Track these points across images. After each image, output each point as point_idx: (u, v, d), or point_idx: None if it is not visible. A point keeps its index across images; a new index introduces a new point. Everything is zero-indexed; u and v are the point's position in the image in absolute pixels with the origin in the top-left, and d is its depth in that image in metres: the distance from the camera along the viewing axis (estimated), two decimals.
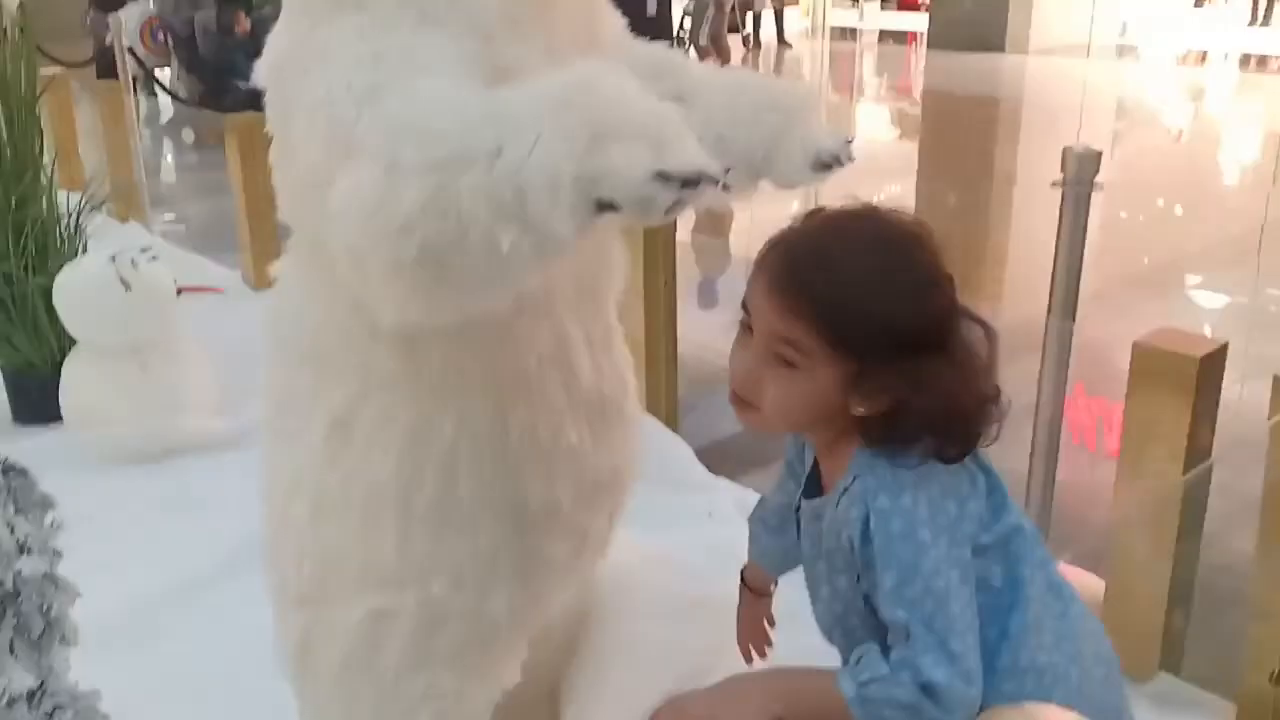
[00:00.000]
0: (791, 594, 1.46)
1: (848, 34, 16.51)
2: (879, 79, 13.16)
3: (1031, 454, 2.19)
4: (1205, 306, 4.85)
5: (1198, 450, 1.78)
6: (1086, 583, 2.42)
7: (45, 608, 1.24)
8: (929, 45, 13.68)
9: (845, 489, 1.12)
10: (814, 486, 1.24)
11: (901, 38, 16.13)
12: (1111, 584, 1.93)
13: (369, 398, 1.32)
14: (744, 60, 13.59)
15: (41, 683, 1.22)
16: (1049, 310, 2.15)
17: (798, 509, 1.25)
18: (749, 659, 1.47)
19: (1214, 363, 1.75)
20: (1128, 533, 1.95)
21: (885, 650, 1.07)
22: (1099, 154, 2.08)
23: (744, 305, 1.17)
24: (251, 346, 1.49)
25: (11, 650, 1.20)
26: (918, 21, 15.77)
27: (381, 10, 1.17)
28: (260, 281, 4.23)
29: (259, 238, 4.32)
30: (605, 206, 1.02)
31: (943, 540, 1.06)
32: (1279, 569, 1.73)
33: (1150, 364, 1.76)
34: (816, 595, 1.23)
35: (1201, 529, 1.91)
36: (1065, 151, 2.06)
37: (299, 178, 1.22)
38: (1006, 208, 6.87)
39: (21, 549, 1.22)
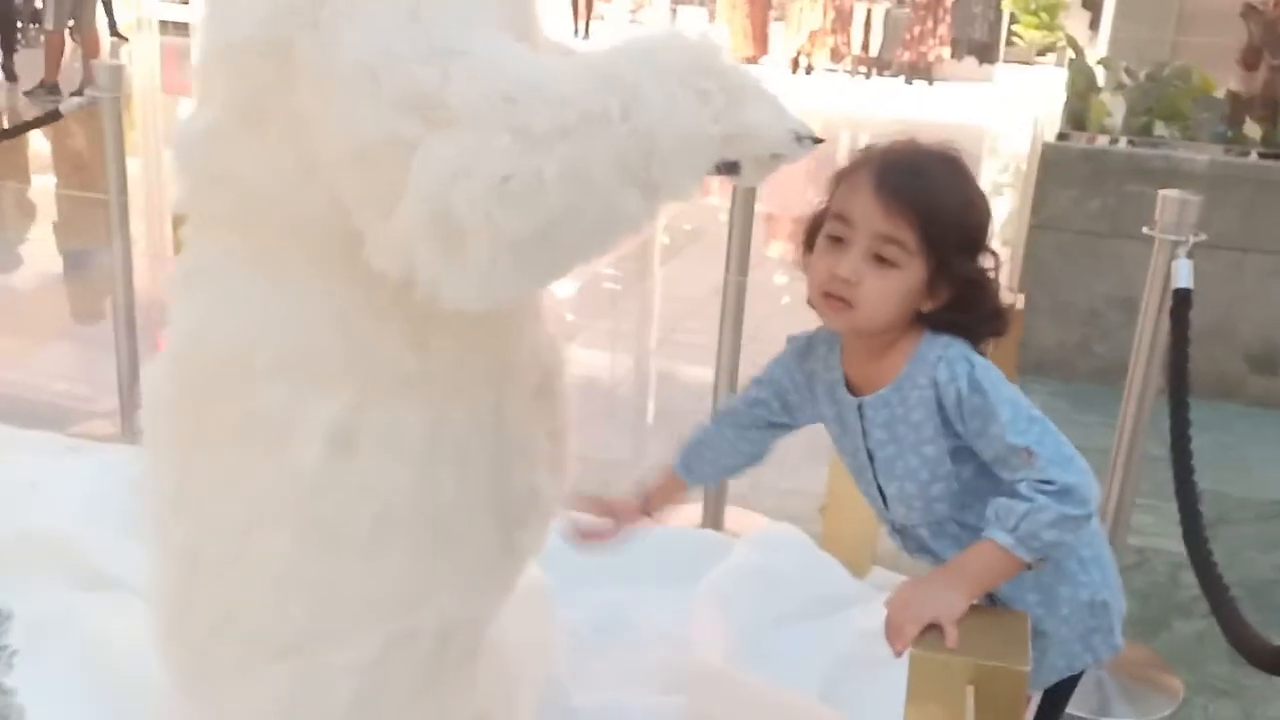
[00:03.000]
0: None
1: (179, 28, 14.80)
2: None
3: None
4: None
5: None
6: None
7: None
8: None
9: (940, 358, 1.26)
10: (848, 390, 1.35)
11: None
12: (832, 500, 2.34)
13: (372, 406, 1.18)
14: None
15: None
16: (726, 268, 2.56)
17: (859, 408, 1.33)
18: (580, 542, 1.45)
19: None
20: None
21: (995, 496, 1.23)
22: None
23: (839, 217, 1.26)
24: None
25: None
26: None
27: None
28: None
29: None
30: (725, 167, 1.02)
31: (1014, 387, 1.26)
32: None
33: None
34: (890, 475, 1.32)
35: None
36: None
37: (305, 152, 1.08)
38: None
39: None
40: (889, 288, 1.24)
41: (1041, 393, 3.91)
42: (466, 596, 1.29)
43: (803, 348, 1.42)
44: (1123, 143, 4.10)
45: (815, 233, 1.31)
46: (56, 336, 4.08)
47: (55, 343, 4.00)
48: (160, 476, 1.27)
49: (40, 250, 5.48)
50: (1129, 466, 2.26)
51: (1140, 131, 4.15)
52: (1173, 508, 1.91)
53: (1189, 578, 1.89)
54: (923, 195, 1.23)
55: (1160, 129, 4.14)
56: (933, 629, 1.16)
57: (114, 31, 12.84)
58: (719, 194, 6.23)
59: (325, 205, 1.11)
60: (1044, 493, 1.19)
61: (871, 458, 1.34)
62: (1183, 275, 2.07)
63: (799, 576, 2.12)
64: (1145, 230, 2.18)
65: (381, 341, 1.17)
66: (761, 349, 1.67)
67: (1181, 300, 2.06)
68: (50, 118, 2.96)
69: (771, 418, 1.47)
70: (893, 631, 1.18)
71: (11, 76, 9.50)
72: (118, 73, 2.73)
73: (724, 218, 2.64)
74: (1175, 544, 1.83)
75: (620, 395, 3.97)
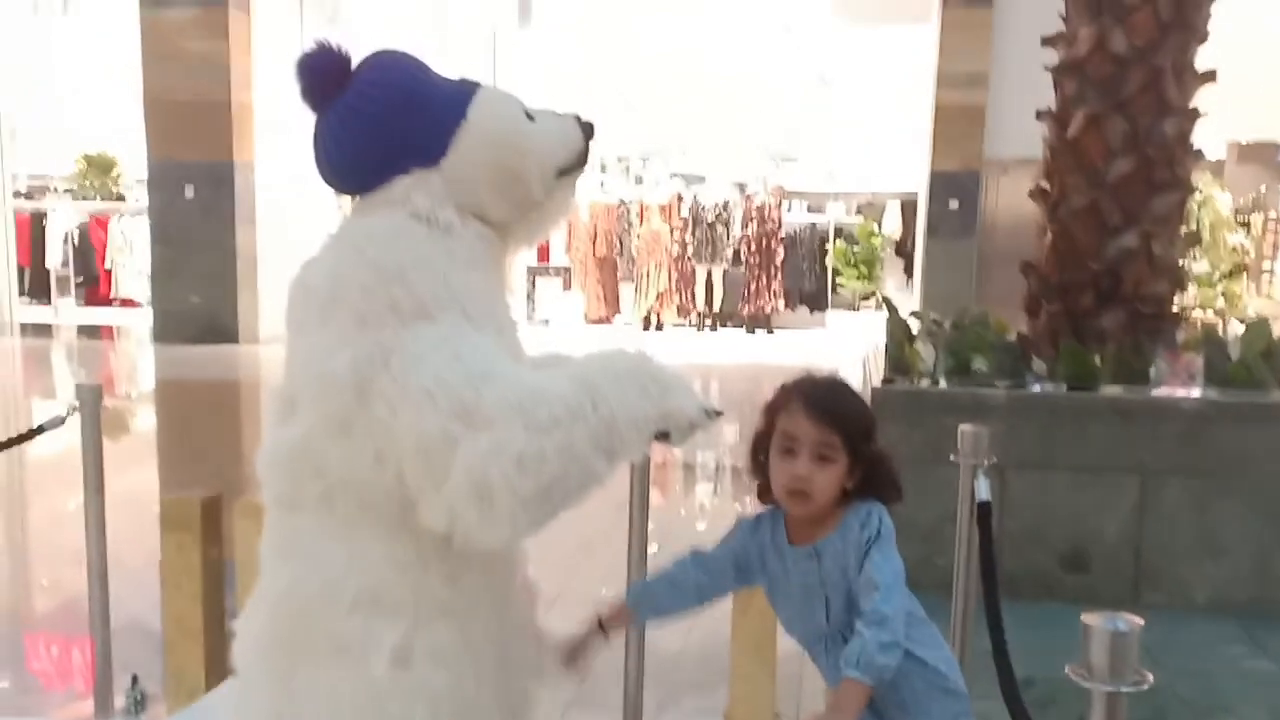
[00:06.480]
0: None
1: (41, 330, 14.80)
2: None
3: None
4: None
5: None
6: None
7: None
8: (156, 338, 12.85)
9: (870, 510, 1.77)
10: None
11: (96, 332, 14.80)
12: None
13: (421, 627, 1.61)
14: None
15: None
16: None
17: (815, 552, 1.80)
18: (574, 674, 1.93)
19: None
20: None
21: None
22: None
23: (786, 435, 1.79)
24: None
25: None
26: (116, 316, 15.56)
27: (450, 321, 1.60)
28: None
29: None
30: (660, 436, 1.57)
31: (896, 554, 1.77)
32: None
33: None
34: (806, 616, 1.82)
35: None
36: None
37: (391, 449, 1.55)
38: None
39: None
40: (831, 477, 1.76)
41: None
42: None
43: (753, 524, 1.92)
44: (939, 382, 4.85)
45: (759, 451, 1.85)
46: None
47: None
48: (257, 699, 1.64)
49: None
50: (964, 656, 2.77)
51: (950, 373, 4.92)
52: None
53: None
54: (839, 409, 1.80)
55: (965, 370, 4.93)
56: None
57: None
58: None
59: (390, 484, 1.57)
60: (867, 624, 1.68)
61: (823, 584, 1.82)
62: (982, 490, 2.69)
63: None
64: (951, 458, 2.82)
65: (426, 580, 1.61)
66: None
67: (984, 511, 2.67)
68: (34, 433, 3.28)
69: (717, 581, 1.94)
70: None
71: None
72: (96, 391, 3.09)
73: None
74: None
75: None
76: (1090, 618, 1.61)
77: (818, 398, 1.83)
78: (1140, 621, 1.61)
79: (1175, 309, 5.20)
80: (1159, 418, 4.45)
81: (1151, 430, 4.44)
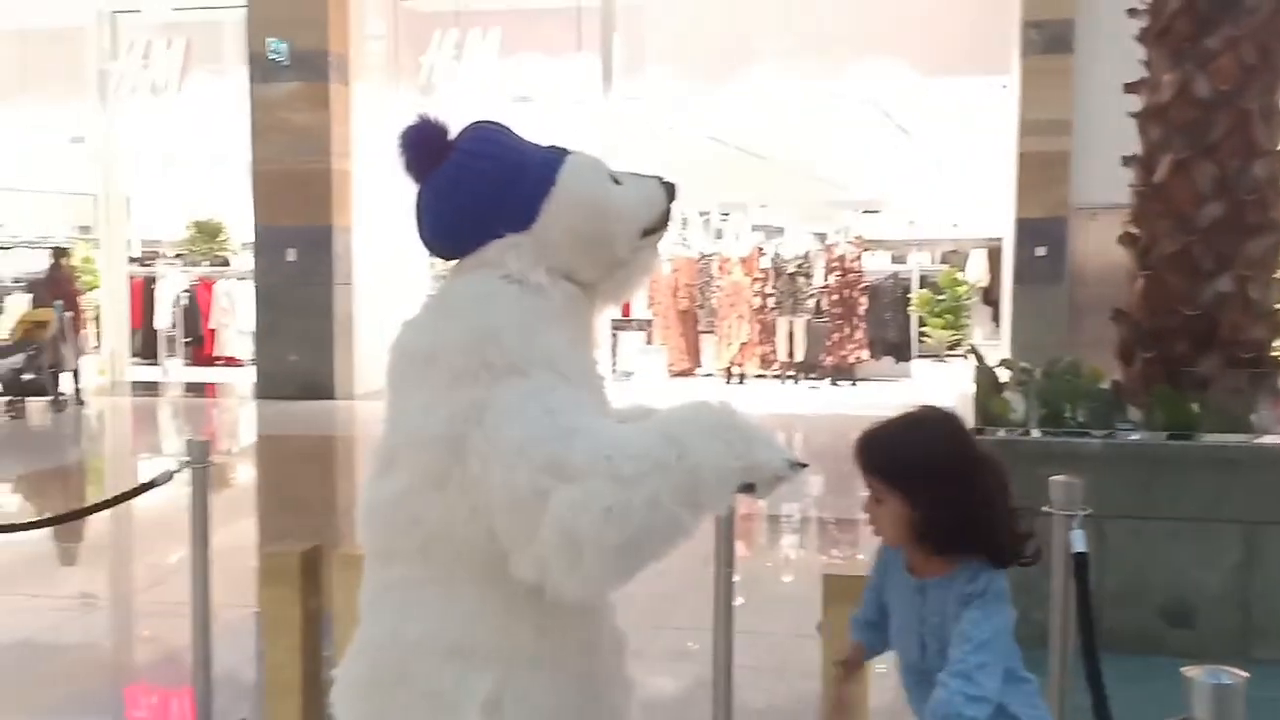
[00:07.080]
0: None
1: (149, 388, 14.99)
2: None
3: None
4: None
5: None
6: None
7: None
8: (257, 395, 13.13)
9: (972, 578, 1.81)
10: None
11: (201, 390, 15.26)
12: None
13: (512, 677, 1.66)
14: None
15: None
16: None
17: (923, 588, 1.88)
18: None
19: None
20: None
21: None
22: None
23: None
24: None
25: None
26: (220, 375, 15.90)
27: (541, 377, 1.65)
28: None
29: None
30: (745, 488, 1.60)
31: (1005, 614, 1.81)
32: None
33: None
34: (906, 646, 1.90)
35: None
36: None
37: (484, 503, 1.59)
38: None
39: None
40: (887, 515, 1.86)
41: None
42: None
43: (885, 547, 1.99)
44: (1031, 432, 4.77)
45: None
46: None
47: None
48: None
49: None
50: (1063, 712, 2.71)
51: (1042, 422, 4.83)
52: None
53: None
54: (879, 453, 1.87)
55: (1058, 419, 4.83)
56: None
57: (78, 400, 12.65)
58: None
59: (484, 537, 1.62)
60: (952, 675, 1.71)
61: (921, 622, 1.87)
62: (1078, 542, 2.64)
63: None
64: (1044, 509, 2.78)
65: (517, 630, 1.66)
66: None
67: (1080, 563, 2.62)
68: (144, 489, 3.42)
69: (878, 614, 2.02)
70: None
71: None
72: (205, 446, 3.22)
73: None
74: None
75: None
76: (1192, 671, 1.57)
77: (866, 442, 1.89)
78: (1245, 675, 1.57)
79: (1276, 354, 5.06)
80: (1263, 466, 4.33)
81: (1256, 479, 4.31)
